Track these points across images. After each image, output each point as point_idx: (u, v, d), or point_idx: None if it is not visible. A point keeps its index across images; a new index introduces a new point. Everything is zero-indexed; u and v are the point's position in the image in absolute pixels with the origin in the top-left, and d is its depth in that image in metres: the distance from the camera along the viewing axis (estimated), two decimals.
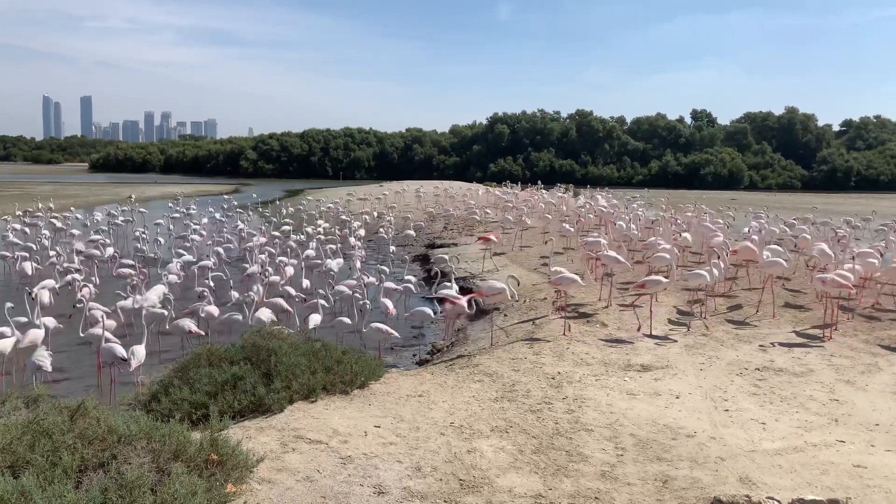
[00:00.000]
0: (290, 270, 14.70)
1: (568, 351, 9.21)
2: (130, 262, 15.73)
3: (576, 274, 11.22)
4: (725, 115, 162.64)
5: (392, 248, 18.66)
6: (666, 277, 10.95)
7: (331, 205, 32.25)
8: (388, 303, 12.00)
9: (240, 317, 10.86)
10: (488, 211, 27.14)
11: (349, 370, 7.06)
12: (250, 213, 27.77)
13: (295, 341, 7.38)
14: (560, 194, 33.56)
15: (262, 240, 19.18)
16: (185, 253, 17.19)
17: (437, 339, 11.99)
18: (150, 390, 6.67)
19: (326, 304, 12.04)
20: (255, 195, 43.12)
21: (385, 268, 15.38)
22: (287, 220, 25.45)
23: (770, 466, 5.69)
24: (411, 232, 22.85)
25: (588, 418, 6.77)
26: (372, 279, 13.28)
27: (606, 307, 11.86)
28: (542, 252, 17.94)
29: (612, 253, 13.17)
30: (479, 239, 18.44)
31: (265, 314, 10.68)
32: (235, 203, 32.82)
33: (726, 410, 7.03)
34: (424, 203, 33.61)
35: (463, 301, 11.06)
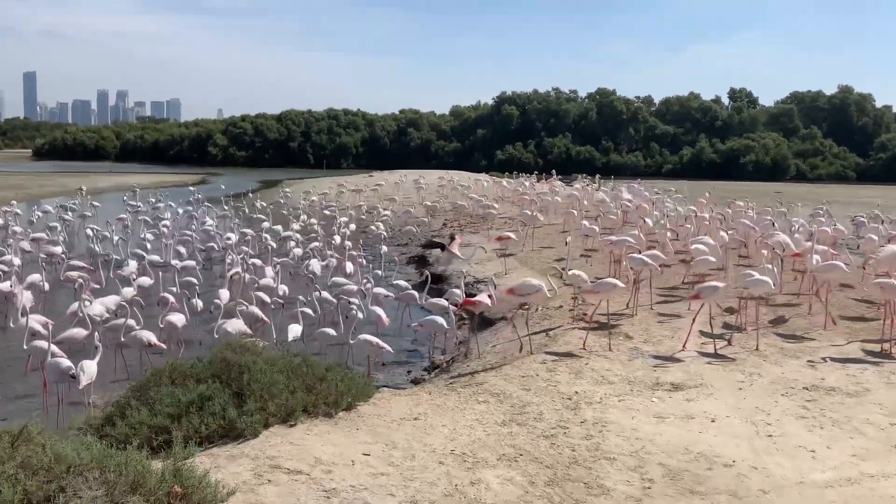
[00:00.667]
0: (268, 273, 14.72)
1: (587, 367, 9.22)
2: (80, 263, 15.76)
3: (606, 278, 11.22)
4: (768, 95, 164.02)
5: (384, 248, 18.65)
6: (721, 283, 10.95)
7: (315, 198, 32.32)
8: (380, 311, 12.02)
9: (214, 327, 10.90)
10: (495, 205, 27.17)
11: (334, 389, 7.06)
12: (224, 207, 27.79)
13: (271, 356, 7.38)
14: (580, 185, 33.51)
15: (234, 237, 19.30)
16: (145, 253, 17.25)
17: (436, 354, 11.99)
18: (104, 413, 6.67)
19: (312, 314, 12.05)
20: (222, 186, 43.15)
21: (377, 271, 15.43)
22: (261, 215, 25.50)
23: (820, 500, 5.70)
24: (413, 228, 22.89)
25: (610, 445, 6.77)
26: (370, 284, 13.31)
27: (632, 316, 11.86)
28: (559, 253, 17.94)
29: (640, 255, 13.20)
30: (497, 239, 18.40)
31: (236, 325, 10.69)
32: (200, 196, 32.86)
33: (770, 436, 7.03)
34: (423, 195, 33.66)
35: (484, 298, 11.09)
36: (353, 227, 22.99)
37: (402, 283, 14.85)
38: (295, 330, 10.93)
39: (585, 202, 27.01)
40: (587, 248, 18.39)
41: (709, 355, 9.68)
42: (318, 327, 11.58)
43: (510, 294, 10.98)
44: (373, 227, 22.54)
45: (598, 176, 39.39)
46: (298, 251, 17.48)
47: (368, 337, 10.44)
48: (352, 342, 10.48)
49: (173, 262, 15.61)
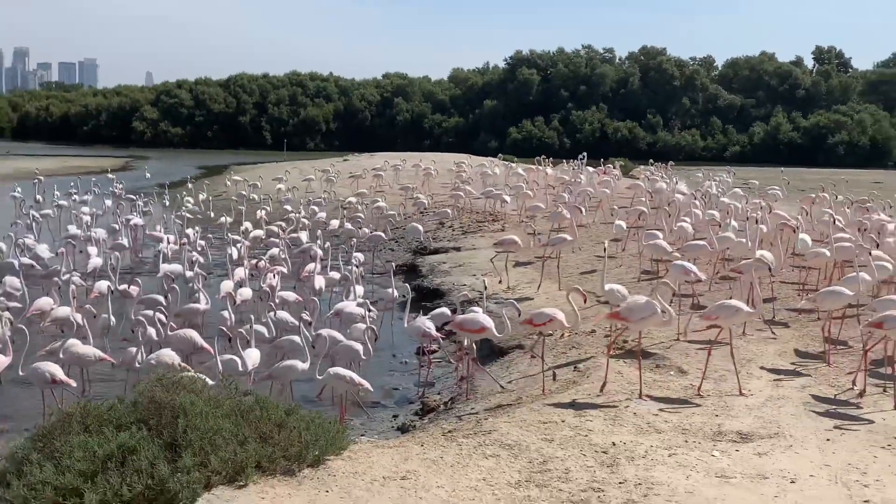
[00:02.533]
0: (227, 286, 14.81)
1: (628, 411, 9.21)
2: None
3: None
4: (865, 57, 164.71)
5: (358, 256, 18.64)
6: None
7: (281, 186, 32.98)
8: (354, 343, 11.99)
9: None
10: (506, 197, 27.22)
11: (296, 439, 7.06)
12: (154, 199, 27.93)
13: (215, 396, 7.38)
14: (646, 176, 33.55)
15: (171, 240, 19.48)
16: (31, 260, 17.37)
17: (430, 392, 12.01)
18: None
19: (266, 334, 12.16)
20: (147, 174, 43.09)
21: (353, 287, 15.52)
22: (205, 210, 25.64)
23: None
24: (418, 226, 23.05)
25: None
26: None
27: (678, 341, 11.88)
28: (589, 259, 17.99)
29: (684, 262, 13.34)
30: (498, 243, 18.42)
31: (167, 355, 10.72)
32: (121, 186, 32.90)
33: (866, 501, 7.04)
34: (429, 185, 34.04)
35: (487, 322, 11.09)
36: (335, 223, 23.69)
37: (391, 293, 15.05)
38: (253, 357, 10.95)
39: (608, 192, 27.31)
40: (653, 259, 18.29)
41: (786, 397, 9.68)
42: (276, 359, 11.59)
43: (526, 324, 11.26)
44: (348, 223, 22.83)
45: (670, 163, 39.66)
46: (276, 252, 18.01)
47: (341, 371, 10.44)
48: (320, 377, 10.49)
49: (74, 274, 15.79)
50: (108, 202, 28.69)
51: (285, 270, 16.80)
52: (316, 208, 26.86)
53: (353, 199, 29.78)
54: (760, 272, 13.48)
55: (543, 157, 38.06)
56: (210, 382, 8.29)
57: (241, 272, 15.92)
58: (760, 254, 14.30)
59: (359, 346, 11.70)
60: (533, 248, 19.02)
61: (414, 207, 29.22)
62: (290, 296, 14.52)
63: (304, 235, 21.88)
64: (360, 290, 15.47)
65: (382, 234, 22.43)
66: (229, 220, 24.22)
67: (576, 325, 11.36)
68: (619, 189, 29.63)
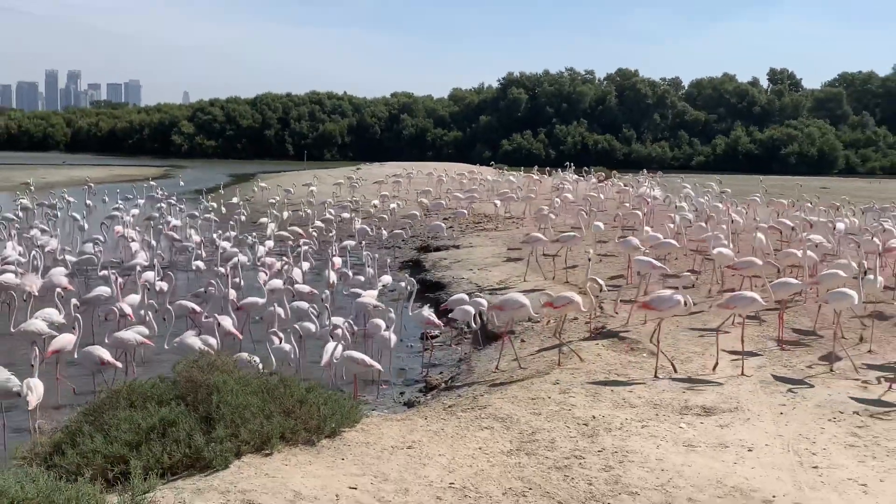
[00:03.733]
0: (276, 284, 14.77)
1: (606, 388, 9.23)
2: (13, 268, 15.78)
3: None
4: (814, 77, 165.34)
5: (367, 254, 18.66)
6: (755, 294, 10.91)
7: (314, 188, 33.32)
8: (381, 324, 11.91)
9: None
10: (497, 202, 27.39)
11: (316, 413, 7.06)
12: (204, 206, 27.98)
13: (244, 375, 7.39)
14: (647, 185, 33.75)
15: (196, 239, 19.71)
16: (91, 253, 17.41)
17: (433, 372, 12.02)
18: (52, 440, 6.67)
19: (283, 315, 12.25)
20: (181, 182, 43.06)
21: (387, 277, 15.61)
22: (239, 212, 25.68)
23: None
24: (440, 223, 23.33)
25: (632, 477, 6.77)
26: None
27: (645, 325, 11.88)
28: (573, 257, 17.94)
29: (646, 257, 13.58)
30: (525, 241, 18.32)
31: (196, 339, 10.74)
32: (162, 191, 32.86)
33: (815, 467, 7.04)
34: (441, 190, 34.07)
35: (525, 301, 11.05)
36: (358, 223, 23.57)
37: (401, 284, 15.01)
38: (277, 342, 10.96)
39: (601, 196, 27.53)
40: (602, 253, 18.38)
41: (744, 375, 9.69)
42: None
43: (497, 310, 11.35)
44: (361, 226, 22.87)
45: (659, 173, 40.26)
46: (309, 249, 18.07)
47: (354, 354, 10.45)
48: (336, 360, 10.49)
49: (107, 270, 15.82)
50: (148, 204, 28.81)
51: (306, 266, 16.81)
52: (344, 213, 27.17)
53: (377, 203, 30.04)
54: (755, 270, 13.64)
55: (537, 168, 38.70)
56: (238, 364, 8.29)
57: (277, 265, 16.23)
58: (718, 251, 14.51)
59: (393, 336, 11.69)
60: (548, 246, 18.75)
61: (426, 209, 29.09)
62: (305, 288, 14.44)
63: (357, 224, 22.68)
64: (387, 279, 15.80)
65: (402, 233, 22.67)
66: (270, 221, 24.20)
67: (591, 309, 11.41)
68: (610, 194, 29.95)
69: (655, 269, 13.57)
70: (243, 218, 24.71)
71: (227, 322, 11.86)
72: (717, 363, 10.00)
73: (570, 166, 40.33)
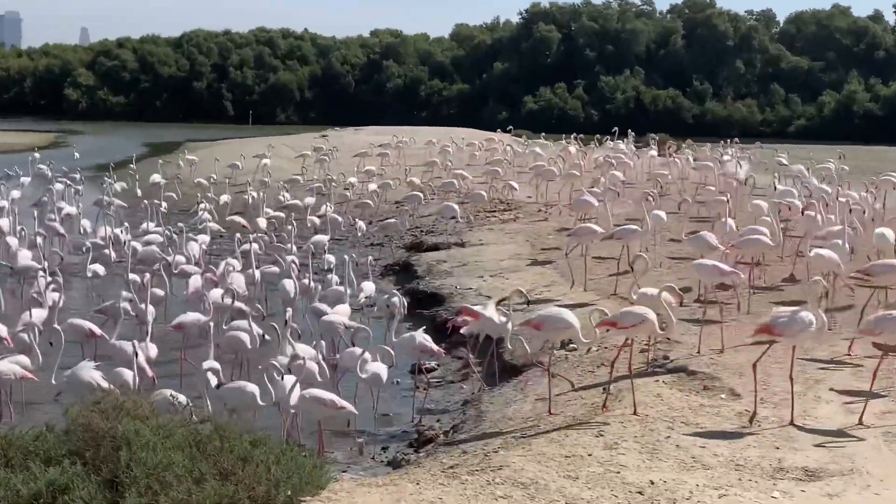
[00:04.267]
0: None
1: (668, 442, 9.22)
2: None
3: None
4: None
5: (329, 258, 18.61)
6: None
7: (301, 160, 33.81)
8: (358, 353, 11.92)
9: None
10: (514, 185, 27.39)
11: (264, 476, 7.06)
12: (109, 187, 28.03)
13: (165, 422, 7.38)
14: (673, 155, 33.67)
15: (101, 233, 20.21)
16: None
17: (428, 419, 12.02)
18: None
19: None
20: (76, 154, 42.59)
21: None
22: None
23: None
24: (453, 205, 23.89)
25: None
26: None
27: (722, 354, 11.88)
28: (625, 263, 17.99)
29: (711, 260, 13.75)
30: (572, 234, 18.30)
31: (91, 373, 10.72)
32: (45, 167, 32.87)
33: None
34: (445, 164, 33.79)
35: (574, 320, 10.97)
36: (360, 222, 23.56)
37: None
38: (212, 367, 11.02)
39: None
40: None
41: (860, 425, 9.68)
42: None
43: (532, 328, 11.27)
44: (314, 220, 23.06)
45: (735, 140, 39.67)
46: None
47: (318, 392, 10.43)
48: (292, 404, 10.48)
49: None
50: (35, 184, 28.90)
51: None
52: (309, 197, 27.23)
53: (354, 181, 30.07)
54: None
55: (575, 136, 38.34)
56: (157, 407, 8.28)
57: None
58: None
59: (383, 369, 11.61)
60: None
61: (431, 191, 28.91)
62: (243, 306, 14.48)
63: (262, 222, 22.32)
64: (369, 287, 16.23)
65: (396, 222, 22.97)
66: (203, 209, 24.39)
67: (670, 328, 11.29)
68: (686, 172, 29.70)
69: (725, 276, 13.49)
70: (164, 206, 24.73)
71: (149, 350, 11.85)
72: (792, 414, 9.92)
73: (627, 135, 39.54)
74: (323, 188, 28.83)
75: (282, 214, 23.93)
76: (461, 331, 12.97)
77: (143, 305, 13.66)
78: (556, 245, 20.04)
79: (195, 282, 15.90)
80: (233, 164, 34.34)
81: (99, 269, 17.60)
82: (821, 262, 14.39)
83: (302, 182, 31.33)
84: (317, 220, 23.27)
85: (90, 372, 10.86)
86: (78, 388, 10.32)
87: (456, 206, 23.64)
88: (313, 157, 36.56)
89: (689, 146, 37.92)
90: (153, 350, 12.03)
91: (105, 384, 10.29)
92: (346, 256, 16.74)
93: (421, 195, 26.67)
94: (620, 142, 38.76)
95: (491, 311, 12.47)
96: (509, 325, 12.06)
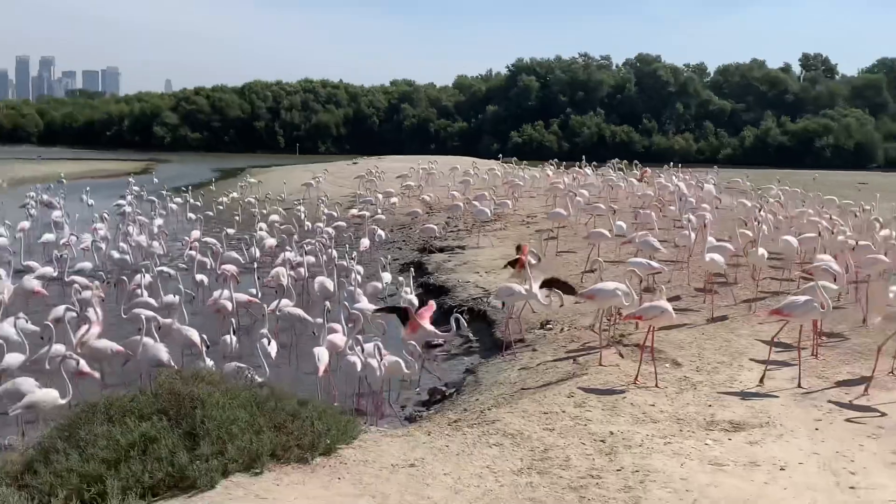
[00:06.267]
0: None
1: (625, 401, 9.21)
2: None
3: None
4: (851, 63, 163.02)
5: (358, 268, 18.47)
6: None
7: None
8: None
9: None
10: (508, 202, 27.23)
11: (309, 429, 7.06)
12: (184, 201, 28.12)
13: (232, 387, 7.39)
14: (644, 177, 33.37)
15: (196, 233, 20.83)
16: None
17: (437, 384, 12.02)
18: (24, 457, 6.67)
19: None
20: (155, 179, 42.50)
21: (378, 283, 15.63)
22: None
23: None
24: (485, 209, 23.87)
25: (653, 499, 6.75)
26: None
27: (668, 333, 11.86)
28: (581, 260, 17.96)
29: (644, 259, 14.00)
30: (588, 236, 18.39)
31: (161, 352, 10.67)
32: (136, 188, 33.02)
33: (852, 488, 7.01)
34: (463, 188, 33.24)
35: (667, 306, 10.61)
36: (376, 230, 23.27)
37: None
38: (272, 349, 11.01)
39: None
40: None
41: (777, 388, 9.66)
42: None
43: (588, 299, 11.39)
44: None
45: (680, 165, 39.16)
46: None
47: (353, 358, 10.43)
48: (381, 366, 10.47)
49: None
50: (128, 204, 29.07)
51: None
52: (364, 210, 27.49)
53: (395, 201, 29.74)
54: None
55: (552, 162, 38.13)
56: (225, 375, 8.29)
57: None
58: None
59: (401, 360, 11.20)
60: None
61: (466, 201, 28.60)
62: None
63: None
64: (387, 277, 16.20)
65: (434, 228, 22.98)
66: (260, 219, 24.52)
67: (633, 304, 11.21)
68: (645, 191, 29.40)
69: (653, 270, 13.90)
70: (238, 218, 24.94)
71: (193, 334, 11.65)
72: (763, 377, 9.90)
73: (585, 160, 39.56)
74: (373, 202, 28.78)
75: (343, 224, 24.04)
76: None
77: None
78: (534, 248, 20.02)
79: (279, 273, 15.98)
80: (307, 182, 34.42)
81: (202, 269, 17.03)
82: (712, 265, 14.02)
83: (361, 193, 31.72)
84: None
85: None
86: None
87: (488, 210, 23.89)
88: (365, 178, 36.08)
89: (666, 171, 37.24)
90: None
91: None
92: (381, 257, 16.92)
93: (460, 205, 26.12)
94: (588, 167, 38.48)
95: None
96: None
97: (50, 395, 8.92)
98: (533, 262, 14.71)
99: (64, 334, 11.40)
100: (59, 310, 12.48)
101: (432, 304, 13.28)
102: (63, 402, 8.71)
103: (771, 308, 11.10)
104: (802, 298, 10.29)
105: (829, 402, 9.17)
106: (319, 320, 12.21)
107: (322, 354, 10.68)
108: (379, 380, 10.47)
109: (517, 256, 15.41)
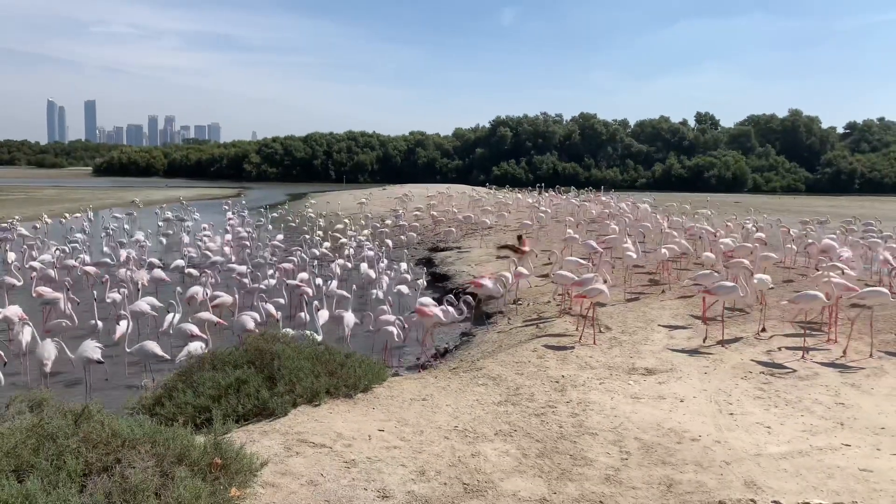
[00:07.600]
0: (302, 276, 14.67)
1: (572, 355, 9.20)
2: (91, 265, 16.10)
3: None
4: (729, 118, 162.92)
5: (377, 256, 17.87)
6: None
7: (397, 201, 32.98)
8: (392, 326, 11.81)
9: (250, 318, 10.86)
10: (504, 214, 27.05)
11: (353, 374, 7.06)
12: (264, 218, 27.94)
13: (299, 345, 7.39)
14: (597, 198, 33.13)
15: (280, 236, 21.31)
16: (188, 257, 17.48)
17: (442, 343, 12.01)
18: (154, 394, 6.68)
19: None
20: (243, 201, 42.27)
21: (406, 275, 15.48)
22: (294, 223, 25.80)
23: (775, 470, 5.67)
24: (486, 219, 23.87)
25: (592, 422, 6.75)
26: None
27: (607, 307, 11.83)
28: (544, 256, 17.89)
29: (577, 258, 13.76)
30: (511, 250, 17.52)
31: (249, 320, 10.67)
32: (228, 207, 32.99)
33: (731, 414, 7.01)
34: (457, 206, 33.00)
35: (436, 310, 10.87)
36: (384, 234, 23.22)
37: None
38: (349, 320, 11.06)
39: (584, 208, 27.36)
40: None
41: (678, 345, 9.65)
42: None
43: (583, 297, 10.89)
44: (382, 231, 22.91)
45: (612, 191, 38.65)
46: (370, 254, 17.77)
47: (390, 326, 10.50)
48: (372, 329, 10.57)
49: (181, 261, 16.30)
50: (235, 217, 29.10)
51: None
52: (400, 221, 27.26)
53: (420, 214, 29.53)
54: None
55: (526, 189, 38.08)
56: (295, 337, 8.29)
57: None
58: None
59: (393, 330, 11.07)
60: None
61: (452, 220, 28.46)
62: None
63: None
64: (403, 265, 15.85)
65: (453, 231, 22.90)
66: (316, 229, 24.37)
67: (607, 297, 10.99)
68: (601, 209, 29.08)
69: (581, 268, 13.44)
70: (314, 232, 24.55)
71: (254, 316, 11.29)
72: (706, 337, 9.88)
73: (542, 186, 39.67)
74: (404, 216, 28.35)
75: (386, 229, 23.87)
76: (477, 292, 12.62)
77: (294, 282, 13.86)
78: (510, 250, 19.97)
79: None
80: (361, 201, 34.19)
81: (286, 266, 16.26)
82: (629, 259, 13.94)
83: (395, 209, 30.98)
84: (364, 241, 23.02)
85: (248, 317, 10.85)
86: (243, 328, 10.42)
87: (489, 221, 24.10)
88: (401, 200, 35.73)
89: (607, 195, 36.86)
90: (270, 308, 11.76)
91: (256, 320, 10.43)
92: (404, 250, 16.97)
93: (472, 216, 25.81)
94: (547, 192, 38.50)
95: (488, 282, 12.53)
96: (501, 290, 12.24)
97: (197, 348, 9.26)
98: (526, 249, 14.68)
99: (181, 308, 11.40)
100: (198, 290, 12.44)
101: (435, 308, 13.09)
102: (203, 351, 8.80)
103: (703, 288, 10.82)
104: (729, 283, 10.14)
105: (713, 354, 9.17)
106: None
107: (349, 321, 10.88)
108: (399, 340, 10.62)
109: (517, 246, 15.29)
